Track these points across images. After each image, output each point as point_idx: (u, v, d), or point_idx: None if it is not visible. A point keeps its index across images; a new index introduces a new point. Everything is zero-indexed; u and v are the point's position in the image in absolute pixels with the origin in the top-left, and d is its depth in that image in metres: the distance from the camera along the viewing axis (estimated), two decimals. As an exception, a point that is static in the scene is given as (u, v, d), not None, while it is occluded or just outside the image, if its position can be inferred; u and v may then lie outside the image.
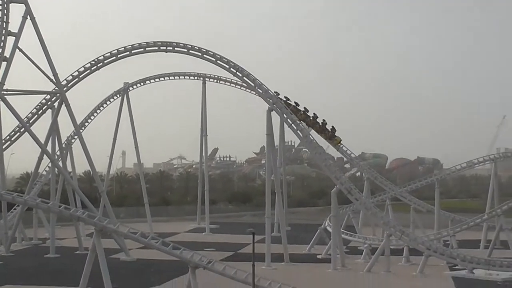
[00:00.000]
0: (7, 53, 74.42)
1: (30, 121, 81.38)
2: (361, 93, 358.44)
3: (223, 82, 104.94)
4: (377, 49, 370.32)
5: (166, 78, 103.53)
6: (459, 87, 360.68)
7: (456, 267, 69.65)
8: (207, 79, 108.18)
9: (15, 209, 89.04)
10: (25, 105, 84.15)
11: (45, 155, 79.31)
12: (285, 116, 73.57)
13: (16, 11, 75.16)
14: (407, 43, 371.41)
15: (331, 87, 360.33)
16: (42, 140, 78.78)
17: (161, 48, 76.55)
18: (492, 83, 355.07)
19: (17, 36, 75.27)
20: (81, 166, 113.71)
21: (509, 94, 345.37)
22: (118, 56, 77.67)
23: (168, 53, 76.88)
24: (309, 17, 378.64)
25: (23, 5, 75.78)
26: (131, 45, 76.60)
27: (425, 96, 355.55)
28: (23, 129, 79.53)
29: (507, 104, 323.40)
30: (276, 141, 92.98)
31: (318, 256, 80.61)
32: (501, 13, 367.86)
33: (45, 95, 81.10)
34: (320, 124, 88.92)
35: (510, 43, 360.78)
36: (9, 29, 74.88)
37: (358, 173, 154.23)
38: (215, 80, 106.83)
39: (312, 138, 74.99)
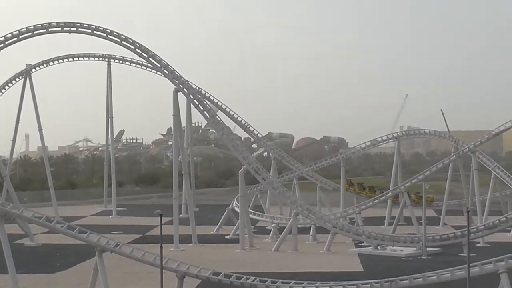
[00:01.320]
0: None
1: None
2: (269, 74, 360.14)
3: (129, 63, 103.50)
4: (286, 33, 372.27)
5: (70, 59, 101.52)
6: (362, 67, 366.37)
7: (362, 243, 70.95)
8: (112, 60, 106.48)
9: None
10: None
11: None
12: (191, 96, 73.20)
13: None
14: (308, 23, 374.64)
15: (242, 72, 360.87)
16: None
17: (65, 28, 74.49)
18: (395, 62, 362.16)
19: None
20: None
21: (412, 73, 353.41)
22: (20, 37, 75.24)
23: (84, 34, 74.63)
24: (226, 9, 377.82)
25: None
26: (33, 26, 74.33)
27: (330, 76, 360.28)
28: None
29: (409, 83, 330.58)
30: (183, 122, 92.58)
31: (227, 237, 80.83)
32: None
33: None
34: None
35: (411, 24, 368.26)
36: None
37: (265, 153, 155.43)
38: (121, 61, 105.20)
39: (219, 119, 74.90)
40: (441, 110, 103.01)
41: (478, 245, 71.11)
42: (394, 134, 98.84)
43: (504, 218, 64.08)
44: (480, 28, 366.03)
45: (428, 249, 65.50)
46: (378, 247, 67.73)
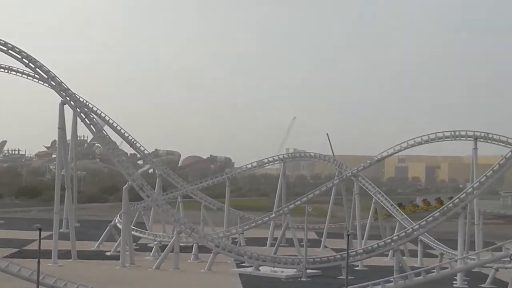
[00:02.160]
0: None
1: None
2: (158, 92, 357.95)
3: (15, 73, 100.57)
4: (176, 51, 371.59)
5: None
6: (251, 88, 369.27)
7: (243, 264, 71.20)
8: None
9: None
10: None
11: None
12: (78, 110, 72.01)
13: None
14: (197, 43, 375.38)
15: (131, 88, 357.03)
16: None
17: None
18: (284, 84, 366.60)
19: None
20: None
21: (300, 96, 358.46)
22: None
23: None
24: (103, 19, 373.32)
25: None
26: None
27: (218, 96, 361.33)
28: None
29: (298, 106, 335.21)
30: (68, 135, 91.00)
31: (107, 253, 79.70)
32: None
33: None
34: None
35: (300, 46, 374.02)
36: None
37: (151, 170, 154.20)
38: (6, 71, 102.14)
39: (105, 134, 73.91)
40: (327, 134, 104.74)
41: (357, 268, 72.50)
42: (280, 156, 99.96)
43: (383, 243, 65.59)
44: (369, 51, 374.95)
45: (308, 271, 66.30)
46: (259, 268, 68.10)
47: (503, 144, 74.98)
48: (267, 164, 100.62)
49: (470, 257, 47.91)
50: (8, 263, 44.74)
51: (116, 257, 73.43)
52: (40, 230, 40.88)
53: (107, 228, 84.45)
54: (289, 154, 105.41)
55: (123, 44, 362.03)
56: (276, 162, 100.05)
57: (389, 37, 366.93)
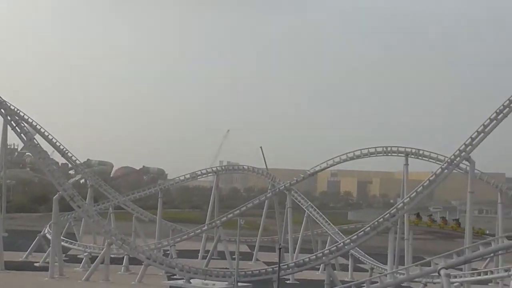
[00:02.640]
0: None
1: None
2: (90, 100, 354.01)
3: None
4: (114, 59, 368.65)
5: None
6: (186, 99, 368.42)
7: (175, 276, 70.79)
8: None
9: None
10: None
11: None
12: (8, 118, 70.83)
13: None
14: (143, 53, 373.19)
15: (63, 96, 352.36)
16: None
17: None
18: (217, 98, 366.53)
19: None
20: None
21: (233, 109, 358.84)
22: None
23: None
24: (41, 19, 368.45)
25: None
26: None
27: (151, 108, 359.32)
28: None
29: (232, 119, 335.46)
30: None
31: (36, 264, 78.50)
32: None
33: None
34: None
35: (230, 63, 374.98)
36: None
37: (83, 180, 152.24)
38: None
39: (36, 143, 72.82)
40: (261, 147, 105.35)
41: (288, 281, 72.86)
42: (213, 168, 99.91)
43: (314, 257, 65.96)
44: (301, 64, 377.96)
45: (239, 284, 66.15)
46: (190, 280, 67.77)
47: (433, 161, 76.33)
48: (200, 176, 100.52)
49: (400, 271, 48.45)
50: None
51: (45, 268, 72.37)
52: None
53: (36, 238, 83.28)
54: (223, 167, 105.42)
55: (56, 52, 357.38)
56: (209, 174, 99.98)
57: (320, 48, 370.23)
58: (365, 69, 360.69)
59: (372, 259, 79.10)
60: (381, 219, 65.43)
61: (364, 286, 44.41)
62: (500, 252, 42.82)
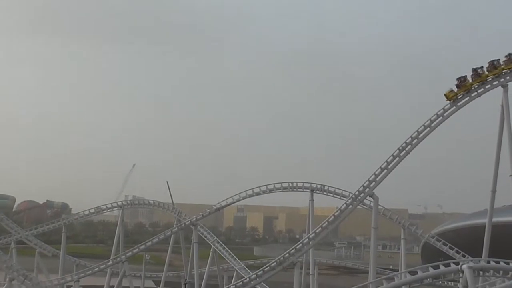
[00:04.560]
0: None
1: None
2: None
3: None
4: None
5: None
6: (87, 132, 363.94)
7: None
8: None
9: None
10: None
11: None
12: None
13: None
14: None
15: None
16: None
17: None
18: (122, 133, 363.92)
19: None
20: None
21: (142, 144, 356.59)
22: None
23: None
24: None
25: None
26: None
27: (54, 140, 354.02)
28: None
29: (137, 155, 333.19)
30: None
31: None
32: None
33: None
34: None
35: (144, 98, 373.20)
36: None
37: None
38: None
39: None
40: (167, 182, 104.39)
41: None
42: (118, 203, 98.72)
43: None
44: (210, 95, 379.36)
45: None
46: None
47: (338, 196, 77.32)
48: (105, 211, 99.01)
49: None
50: None
51: None
52: None
53: None
54: (128, 201, 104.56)
55: None
56: (114, 208, 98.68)
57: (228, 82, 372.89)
58: (270, 106, 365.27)
59: (278, 294, 79.46)
60: (287, 254, 65.86)
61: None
62: (403, 287, 43.66)
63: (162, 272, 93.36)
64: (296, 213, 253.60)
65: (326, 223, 67.16)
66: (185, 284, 47.78)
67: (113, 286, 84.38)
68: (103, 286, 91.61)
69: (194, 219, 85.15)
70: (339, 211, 68.36)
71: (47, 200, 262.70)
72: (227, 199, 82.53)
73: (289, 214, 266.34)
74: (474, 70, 64.94)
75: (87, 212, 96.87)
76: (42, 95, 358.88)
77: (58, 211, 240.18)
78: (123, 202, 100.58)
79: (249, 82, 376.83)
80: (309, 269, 79.03)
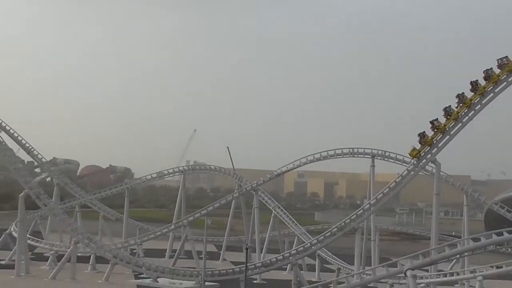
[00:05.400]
0: None
1: None
2: (57, 99, 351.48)
3: None
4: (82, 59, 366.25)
5: None
6: (151, 98, 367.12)
7: (142, 275, 70.69)
8: None
9: None
10: None
11: None
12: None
13: None
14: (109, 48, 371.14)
15: (30, 94, 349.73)
16: None
17: None
18: (184, 97, 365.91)
19: None
20: None
21: (202, 108, 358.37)
22: None
23: None
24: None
25: None
26: None
27: (118, 106, 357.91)
28: None
29: (199, 118, 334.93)
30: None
31: (2, 262, 78.00)
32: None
33: None
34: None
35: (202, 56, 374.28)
36: None
37: (49, 178, 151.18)
38: None
39: (1, 140, 72.33)
40: (227, 147, 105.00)
41: (255, 281, 73.03)
42: (180, 168, 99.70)
43: (281, 257, 66.11)
44: (269, 63, 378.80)
45: (206, 283, 66.23)
46: (158, 279, 67.78)
47: (399, 163, 76.72)
48: (167, 176, 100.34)
49: (366, 272, 48.75)
50: None
51: (11, 266, 71.95)
52: None
53: (2, 236, 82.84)
54: (189, 166, 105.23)
55: (20, 46, 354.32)
56: (176, 174, 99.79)
57: (303, 52, 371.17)
58: (334, 72, 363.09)
59: (339, 259, 79.55)
60: (348, 220, 65.78)
61: (331, 286, 44.65)
62: (465, 253, 43.28)
63: (223, 236, 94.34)
64: (357, 179, 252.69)
65: (387, 189, 66.75)
66: (247, 248, 48.17)
67: (175, 250, 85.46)
68: (165, 250, 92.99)
69: (255, 184, 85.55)
70: (400, 177, 67.86)
71: (110, 165, 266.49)
72: (287, 164, 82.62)
73: (349, 180, 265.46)
74: (431, 122, 64.59)
75: (149, 177, 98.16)
76: (101, 57, 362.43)
77: (121, 176, 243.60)
78: (185, 167, 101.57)
79: (324, 46, 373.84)
80: (370, 235, 78.94)
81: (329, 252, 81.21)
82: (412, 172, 67.05)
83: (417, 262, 42.61)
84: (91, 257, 75.30)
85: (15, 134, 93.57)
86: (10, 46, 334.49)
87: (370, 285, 64.99)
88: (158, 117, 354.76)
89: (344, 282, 45.71)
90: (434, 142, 64.37)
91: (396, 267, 43.74)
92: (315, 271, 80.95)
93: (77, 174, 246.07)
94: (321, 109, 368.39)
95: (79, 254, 73.32)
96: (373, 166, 78.80)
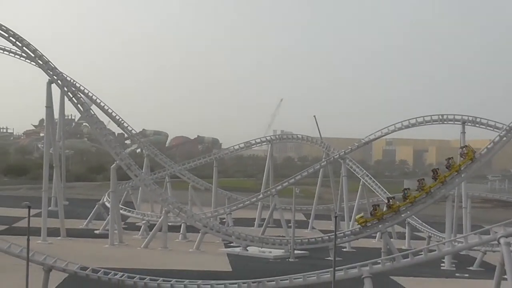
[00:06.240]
0: None
1: None
2: (144, 71, 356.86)
3: (1, 51, 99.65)
4: (160, 28, 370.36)
5: None
6: (236, 68, 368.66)
7: (231, 244, 71.42)
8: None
9: None
10: None
11: None
12: (65, 89, 71.81)
13: None
14: (181, 22, 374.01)
15: (119, 67, 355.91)
16: None
17: None
18: (270, 66, 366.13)
19: None
20: None
21: (287, 77, 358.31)
22: None
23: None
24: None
25: None
26: None
27: (205, 76, 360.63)
28: None
29: (285, 88, 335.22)
30: (56, 114, 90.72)
31: (96, 231, 79.88)
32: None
33: None
34: None
35: (287, 29, 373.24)
36: None
37: (139, 150, 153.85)
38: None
39: (93, 113, 73.71)
40: (314, 116, 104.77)
41: (345, 249, 72.92)
42: (267, 138, 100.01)
43: (370, 224, 65.71)
44: (357, 33, 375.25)
45: (296, 252, 66.57)
46: (247, 248, 68.36)
47: (491, 129, 74.89)
48: (254, 146, 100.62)
49: (458, 240, 48.01)
50: (-3, 240, 44.69)
51: (105, 236, 73.59)
52: (29, 208, 40.71)
53: (96, 206, 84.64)
54: (277, 136, 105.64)
55: (110, 23, 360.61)
56: (263, 143, 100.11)
57: (374, 17, 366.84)
58: (421, 33, 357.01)
59: (429, 227, 78.63)
60: (438, 187, 64.85)
61: (421, 254, 44.15)
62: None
63: (312, 205, 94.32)
64: (447, 146, 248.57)
65: (479, 155, 65.50)
66: (336, 217, 48.03)
67: (264, 219, 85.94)
68: (254, 219, 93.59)
69: (343, 152, 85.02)
70: (492, 144, 66.44)
71: (198, 136, 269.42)
72: (375, 132, 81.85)
73: (439, 147, 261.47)
74: (388, 199, 66.77)
75: (237, 147, 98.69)
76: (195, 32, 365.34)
77: (209, 146, 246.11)
78: (272, 136, 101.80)
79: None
80: (461, 202, 77.62)
81: (419, 220, 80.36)
82: (505, 138, 65.58)
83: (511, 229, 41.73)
84: (182, 226, 76.39)
85: (105, 107, 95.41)
86: (91, 16, 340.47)
87: (461, 253, 64.25)
88: (245, 87, 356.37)
89: (435, 250, 45.03)
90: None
91: (489, 234, 42.92)
92: (405, 239, 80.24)
93: (166, 145, 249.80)
94: (409, 75, 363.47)
95: (170, 224, 74.45)
96: (463, 132, 77.05)
